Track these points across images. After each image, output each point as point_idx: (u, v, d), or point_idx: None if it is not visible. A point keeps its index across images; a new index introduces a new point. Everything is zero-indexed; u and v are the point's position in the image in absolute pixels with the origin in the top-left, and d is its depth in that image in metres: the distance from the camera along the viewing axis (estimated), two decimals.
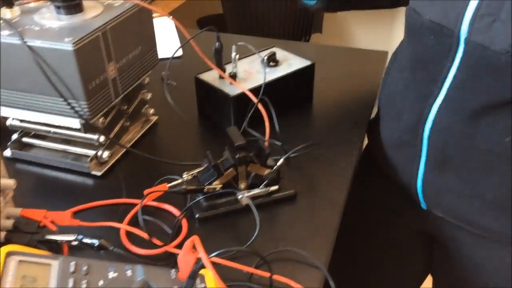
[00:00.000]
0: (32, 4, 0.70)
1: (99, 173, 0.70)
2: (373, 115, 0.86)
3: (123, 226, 0.59)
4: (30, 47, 0.60)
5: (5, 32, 0.62)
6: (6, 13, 0.66)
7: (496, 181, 0.65)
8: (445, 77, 0.63)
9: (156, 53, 0.77)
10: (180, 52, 1.01)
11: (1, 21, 0.64)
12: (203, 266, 0.44)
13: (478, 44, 0.57)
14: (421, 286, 0.94)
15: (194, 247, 0.47)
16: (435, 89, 0.64)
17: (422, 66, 0.66)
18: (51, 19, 0.65)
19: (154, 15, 1.22)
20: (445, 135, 0.66)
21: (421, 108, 0.67)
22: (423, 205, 0.75)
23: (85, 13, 0.66)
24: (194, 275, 0.44)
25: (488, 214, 0.68)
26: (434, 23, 0.61)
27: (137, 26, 0.70)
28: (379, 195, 0.84)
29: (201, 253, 0.43)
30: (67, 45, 0.59)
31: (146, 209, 0.64)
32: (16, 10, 0.67)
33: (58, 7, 0.65)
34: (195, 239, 0.45)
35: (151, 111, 0.80)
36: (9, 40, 0.61)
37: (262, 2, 1.76)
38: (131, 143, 0.76)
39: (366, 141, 0.85)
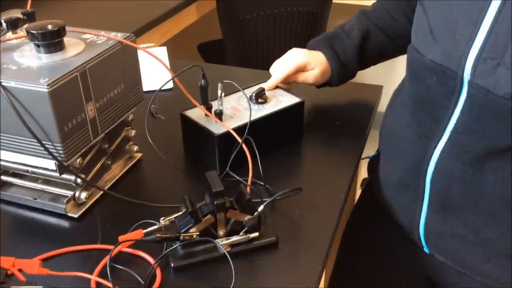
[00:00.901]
0: (14, 41, 0.68)
1: (75, 215, 0.68)
2: (372, 151, 0.84)
3: (93, 278, 0.57)
4: (4, 87, 0.59)
5: None
6: None
7: (502, 228, 0.63)
8: (449, 119, 0.61)
9: (141, 90, 0.75)
10: (171, 85, 1.00)
11: None
12: None
13: (482, 88, 0.56)
14: None
15: None
16: (438, 131, 0.63)
17: (424, 106, 0.65)
18: (31, 57, 0.64)
19: (150, 45, 1.20)
20: (448, 178, 0.64)
21: (423, 150, 0.65)
22: (426, 249, 0.72)
23: (66, 51, 0.65)
24: None
25: (492, 262, 0.65)
26: (436, 63, 0.60)
27: (120, 64, 0.69)
28: (378, 234, 0.81)
29: None
30: (42, 87, 0.58)
31: (120, 256, 0.61)
32: None
33: (38, 46, 0.64)
34: None
35: (135, 148, 0.78)
36: None
37: (261, 29, 1.76)
38: (113, 181, 0.74)
39: (364, 175, 0.82)
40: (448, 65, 0.59)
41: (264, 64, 1.82)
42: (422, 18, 0.65)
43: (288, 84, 0.85)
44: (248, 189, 0.63)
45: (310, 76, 0.83)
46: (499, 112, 0.56)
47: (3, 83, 0.59)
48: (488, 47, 0.55)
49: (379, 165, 0.77)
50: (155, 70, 1.04)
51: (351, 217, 0.89)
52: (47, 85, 0.57)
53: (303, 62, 0.82)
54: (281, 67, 0.83)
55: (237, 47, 1.81)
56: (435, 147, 0.63)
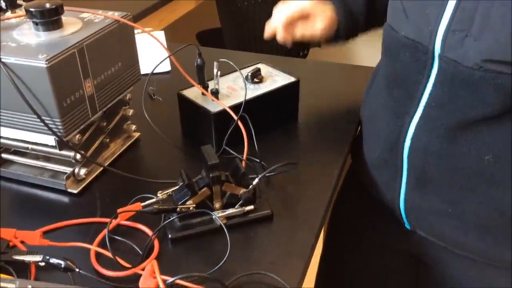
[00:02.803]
0: (13, 20, 0.69)
1: (75, 191, 0.69)
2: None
3: (92, 247, 0.58)
4: (4, 64, 0.60)
5: None
6: None
7: (477, 201, 0.64)
8: (422, 94, 0.62)
9: (138, 70, 0.76)
10: (168, 67, 1.01)
11: None
12: None
13: (451, 60, 0.57)
14: None
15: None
16: (412, 107, 0.64)
17: (398, 83, 0.66)
18: (30, 35, 0.65)
19: (148, 29, 1.21)
20: (424, 153, 0.65)
21: (399, 126, 0.66)
22: (407, 225, 0.73)
23: (64, 30, 0.66)
24: None
25: (471, 235, 0.67)
26: (409, 39, 0.61)
27: (117, 43, 0.70)
28: (362, 214, 0.83)
29: (158, 279, 0.42)
30: (40, 62, 0.59)
31: (119, 229, 0.63)
32: None
33: (36, 24, 0.65)
34: (153, 263, 0.43)
35: (133, 127, 0.79)
36: None
37: (259, 17, 1.76)
38: (111, 159, 0.75)
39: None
40: (420, 40, 0.60)
41: (263, 52, 1.83)
42: None
43: (289, 35, 0.79)
44: (243, 163, 0.65)
45: (315, 26, 0.78)
46: (468, 84, 0.57)
47: (3, 60, 0.60)
48: (456, 19, 0.56)
49: (361, 146, 0.78)
50: (152, 54, 1.05)
51: (336, 197, 0.90)
52: (46, 61, 0.59)
53: (307, 7, 0.77)
54: (283, 8, 0.78)
55: (235, 34, 1.82)
56: (410, 122, 0.65)
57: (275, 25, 0.79)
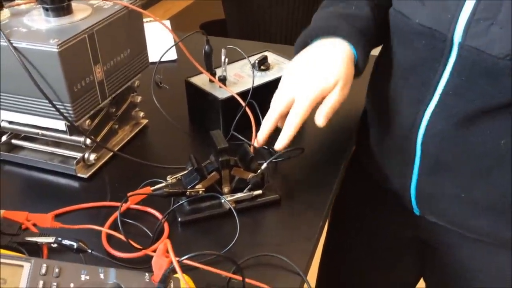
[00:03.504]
0: (23, 6, 0.70)
1: (85, 176, 0.70)
2: None
3: (103, 229, 0.59)
4: (16, 48, 0.61)
5: None
6: None
7: (491, 185, 0.64)
8: (438, 82, 0.61)
9: (146, 57, 0.77)
10: (175, 56, 1.02)
11: None
12: (175, 270, 0.44)
13: (474, 49, 0.56)
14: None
15: (168, 250, 0.47)
16: (427, 94, 0.63)
17: (413, 71, 0.65)
18: (40, 21, 0.66)
19: (151, 19, 1.22)
20: (439, 140, 0.64)
21: (413, 114, 0.66)
22: (416, 211, 0.74)
23: (74, 15, 0.66)
24: (165, 279, 0.44)
25: (483, 218, 0.67)
26: (425, 27, 0.60)
27: (126, 29, 0.71)
28: (366, 201, 0.83)
29: (172, 257, 0.43)
30: (52, 47, 0.59)
31: (129, 213, 0.63)
32: (6, 12, 0.67)
33: (46, 9, 0.65)
34: (167, 242, 0.44)
35: (141, 114, 0.80)
36: None
37: (264, 9, 1.76)
38: (120, 145, 0.76)
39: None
40: (437, 28, 0.59)
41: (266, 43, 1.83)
42: None
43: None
44: (251, 147, 0.65)
45: (341, 91, 0.64)
46: (492, 72, 0.56)
47: (14, 44, 0.61)
48: (481, 8, 0.55)
49: (368, 133, 0.78)
50: (158, 42, 1.06)
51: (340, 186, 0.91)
52: (57, 45, 0.59)
53: (322, 89, 0.63)
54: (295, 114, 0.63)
55: (239, 26, 1.82)
56: (425, 110, 0.64)
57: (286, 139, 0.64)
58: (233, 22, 1.81)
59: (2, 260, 0.44)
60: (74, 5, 0.67)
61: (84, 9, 0.68)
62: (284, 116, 0.64)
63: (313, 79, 0.63)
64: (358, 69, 0.67)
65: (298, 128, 0.63)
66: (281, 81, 0.67)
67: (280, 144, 0.63)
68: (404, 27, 0.64)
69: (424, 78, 0.63)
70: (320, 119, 0.62)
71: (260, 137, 0.65)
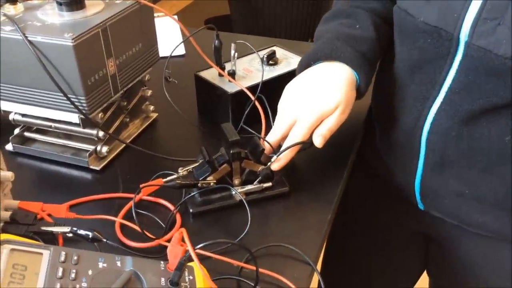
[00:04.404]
0: (36, 1, 0.71)
1: (97, 168, 0.71)
2: None
3: (118, 220, 0.60)
4: (31, 42, 0.62)
5: (7, 28, 0.63)
6: (10, 9, 0.67)
7: (496, 181, 0.65)
8: (444, 80, 0.62)
9: (157, 51, 0.78)
10: (183, 51, 1.03)
11: (4, 17, 0.65)
12: (190, 258, 0.45)
13: (481, 48, 0.56)
14: (418, 287, 0.94)
15: (183, 239, 0.48)
16: (433, 92, 0.64)
17: (419, 68, 0.65)
18: (53, 15, 0.67)
19: (160, 14, 1.23)
20: (444, 137, 0.65)
21: (418, 111, 0.66)
22: (420, 206, 0.75)
23: (87, 10, 0.67)
24: (180, 266, 0.45)
25: (488, 214, 0.68)
26: (430, 25, 0.60)
27: (138, 24, 0.72)
28: (371, 196, 0.84)
29: (188, 246, 0.44)
30: (67, 41, 0.61)
31: (142, 204, 0.65)
32: (20, 6, 0.68)
33: (60, 4, 0.66)
34: (182, 231, 0.46)
35: (151, 108, 0.81)
36: (11, 35, 0.63)
37: (268, 5, 1.77)
38: (131, 138, 0.77)
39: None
40: (443, 27, 0.59)
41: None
42: None
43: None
44: (262, 141, 0.66)
45: (340, 115, 0.65)
46: (496, 72, 0.56)
47: (29, 38, 0.62)
48: (488, 7, 0.55)
49: (373, 130, 0.79)
50: (166, 37, 1.07)
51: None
52: (72, 39, 0.60)
53: (323, 112, 0.64)
54: (324, 132, 0.64)
55: (244, 21, 1.83)
56: (431, 107, 0.64)
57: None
58: (238, 19, 1.82)
59: (23, 248, 0.45)
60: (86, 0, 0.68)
61: (97, 4, 0.69)
62: (287, 135, 0.65)
63: (315, 102, 0.64)
64: (359, 92, 0.68)
65: (296, 150, 0.65)
66: (283, 97, 0.68)
67: (277, 166, 0.65)
68: (409, 25, 0.64)
69: (430, 76, 0.64)
70: (318, 139, 0.64)
71: (267, 150, 0.66)
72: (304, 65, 0.69)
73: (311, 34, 1.89)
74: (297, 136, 0.63)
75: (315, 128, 0.64)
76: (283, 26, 1.87)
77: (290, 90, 0.68)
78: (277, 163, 0.64)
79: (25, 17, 0.66)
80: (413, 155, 0.69)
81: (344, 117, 0.65)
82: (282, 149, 0.64)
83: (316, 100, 0.64)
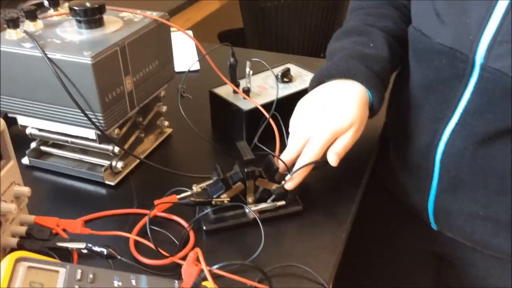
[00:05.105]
0: (55, 18, 0.72)
1: (112, 183, 0.72)
2: None
3: (132, 236, 0.61)
4: (50, 60, 0.63)
5: (27, 45, 0.64)
6: (30, 26, 0.69)
7: (510, 203, 0.64)
8: (459, 101, 0.62)
9: (173, 68, 0.79)
10: (197, 66, 1.03)
11: (24, 34, 0.66)
12: (204, 278, 0.45)
13: (496, 70, 0.56)
14: None
15: (198, 259, 0.48)
16: (448, 113, 0.64)
17: (434, 89, 0.65)
18: (73, 33, 0.68)
19: (174, 28, 1.24)
20: (457, 158, 0.65)
21: (433, 131, 0.66)
22: (434, 226, 0.74)
23: (105, 28, 0.68)
24: (195, 287, 0.45)
25: (501, 235, 0.67)
26: (446, 47, 0.60)
27: (155, 41, 0.73)
28: (386, 215, 0.84)
29: (203, 266, 0.44)
30: (86, 59, 0.62)
31: (155, 220, 0.65)
32: (39, 23, 0.70)
33: (79, 22, 0.68)
34: (197, 251, 0.46)
35: (166, 123, 0.82)
36: (31, 52, 0.64)
37: (282, 18, 1.78)
38: (145, 154, 0.78)
39: None
40: (458, 48, 0.59)
41: (283, 52, 1.85)
42: (425, 0, 0.64)
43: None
44: (276, 160, 0.67)
45: (353, 135, 0.64)
46: None
47: (49, 55, 0.63)
48: (504, 30, 0.55)
49: (387, 148, 0.78)
50: (182, 52, 1.08)
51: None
52: (91, 58, 0.61)
53: (336, 130, 0.63)
54: (339, 150, 0.64)
55: (258, 35, 1.84)
56: (445, 128, 0.64)
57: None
58: (251, 33, 1.83)
59: (39, 266, 0.46)
60: (105, 17, 0.69)
61: (115, 21, 0.70)
62: (301, 153, 0.65)
63: (329, 120, 0.64)
64: (372, 111, 0.68)
65: (310, 169, 0.64)
66: (296, 114, 0.67)
67: (291, 185, 0.65)
68: (425, 46, 0.64)
69: (444, 97, 0.63)
70: (333, 158, 0.63)
71: (281, 169, 0.66)
72: (317, 82, 0.69)
73: (323, 46, 1.90)
74: (310, 155, 0.63)
75: (329, 146, 0.64)
76: (296, 40, 1.88)
77: (302, 108, 0.68)
78: (290, 182, 0.64)
79: (45, 34, 0.67)
80: (427, 175, 0.69)
81: (358, 135, 0.65)
82: (295, 168, 0.64)
83: (330, 118, 0.64)
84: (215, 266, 0.46)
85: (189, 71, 0.99)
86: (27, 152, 0.75)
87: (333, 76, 0.67)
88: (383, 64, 0.68)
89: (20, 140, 0.75)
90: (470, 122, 0.62)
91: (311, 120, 0.65)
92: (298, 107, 0.68)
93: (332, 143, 0.64)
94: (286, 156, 0.65)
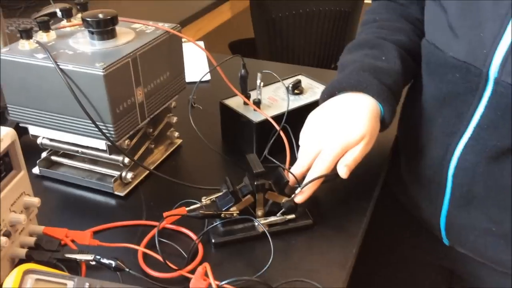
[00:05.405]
0: (68, 29, 0.73)
1: (122, 194, 0.72)
2: None
3: (140, 248, 0.60)
4: (62, 70, 0.63)
5: (40, 55, 0.65)
6: (43, 36, 0.69)
7: None
8: (472, 115, 0.61)
9: (184, 79, 0.79)
10: (208, 77, 1.04)
11: (37, 44, 0.67)
12: None
13: (510, 85, 0.56)
14: None
15: (206, 273, 0.48)
16: (461, 126, 0.63)
17: (447, 103, 0.65)
18: (85, 44, 0.68)
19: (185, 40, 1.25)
20: (471, 173, 0.64)
21: (445, 145, 0.66)
22: (446, 241, 0.73)
23: (118, 39, 0.69)
24: None
25: None
26: (459, 60, 0.60)
27: (167, 53, 0.73)
28: (396, 228, 0.83)
29: (211, 281, 0.44)
30: (97, 70, 0.62)
31: (164, 232, 0.65)
32: (52, 34, 0.70)
33: (92, 33, 0.68)
34: (206, 266, 0.45)
35: (176, 134, 0.82)
36: (43, 63, 0.64)
37: (293, 29, 1.79)
38: (155, 165, 0.78)
39: None
40: (472, 62, 0.59)
41: (294, 64, 1.85)
42: (438, 14, 0.64)
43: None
44: (286, 172, 0.66)
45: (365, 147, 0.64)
46: None
47: (61, 66, 0.63)
48: None
49: (399, 161, 0.78)
50: (193, 62, 1.08)
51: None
52: (103, 69, 0.61)
53: (347, 143, 0.63)
54: (350, 161, 0.63)
55: (269, 45, 1.84)
56: (458, 142, 0.64)
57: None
58: (262, 43, 1.83)
59: (47, 278, 0.45)
60: (117, 29, 0.69)
61: (127, 33, 0.71)
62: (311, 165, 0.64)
63: (340, 133, 0.63)
64: (384, 124, 0.67)
65: (320, 182, 0.64)
66: (306, 127, 0.67)
67: (301, 198, 0.64)
68: (438, 59, 0.64)
69: (457, 111, 0.63)
70: (343, 170, 0.63)
71: (291, 182, 0.65)
72: (328, 95, 0.69)
73: (334, 57, 1.90)
74: (321, 168, 0.63)
75: (339, 159, 0.64)
76: (307, 51, 1.88)
77: (313, 120, 0.67)
78: (300, 196, 0.64)
79: (57, 45, 0.68)
80: (439, 189, 0.68)
81: (368, 148, 0.65)
82: (305, 181, 0.64)
83: (341, 131, 0.64)
84: (224, 282, 0.46)
85: (199, 82, 0.99)
86: (37, 162, 0.75)
87: (344, 89, 0.67)
88: (395, 77, 0.68)
89: (31, 149, 0.75)
90: (484, 137, 0.61)
91: (321, 133, 0.65)
92: (308, 120, 0.68)
93: (342, 156, 0.63)
94: (297, 169, 0.65)
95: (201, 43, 1.15)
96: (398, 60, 0.69)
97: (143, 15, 0.79)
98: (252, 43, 1.88)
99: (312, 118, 0.68)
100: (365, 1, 1.79)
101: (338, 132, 0.64)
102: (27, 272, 0.44)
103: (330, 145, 0.63)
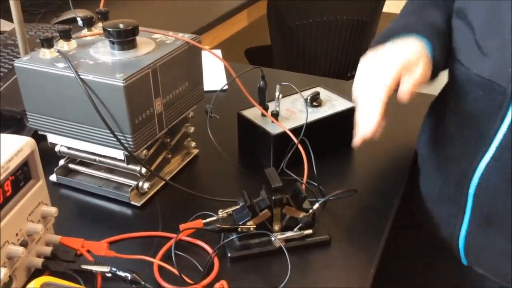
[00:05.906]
0: (89, 38, 0.73)
1: (138, 204, 0.71)
2: None
3: (156, 261, 0.60)
4: (83, 80, 0.63)
5: (60, 65, 0.65)
6: (64, 45, 0.70)
7: None
8: (495, 135, 0.60)
9: (202, 89, 0.79)
10: (225, 86, 1.03)
11: (58, 53, 0.67)
12: None
13: None
14: None
15: None
16: (483, 146, 0.62)
17: (469, 121, 0.64)
18: (105, 53, 0.68)
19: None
20: (492, 193, 0.63)
21: (467, 165, 0.64)
22: (464, 261, 0.72)
23: (138, 50, 0.69)
24: None
25: None
26: (484, 78, 0.59)
27: (186, 63, 0.73)
28: (414, 246, 0.82)
29: None
30: (118, 81, 0.62)
31: (179, 244, 0.64)
32: (73, 43, 0.70)
33: (112, 43, 0.68)
34: (223, 283, 0.45)
35: (193, 144, 0.82)
36: (64, 72, 0.64)
37: (309, 37, 1.78)
38: (171, 174, 0.77)
39: None
40: (496, 80, 0.58)
41: (311, 72, 1.85)
42: (465, 31, 0.64)
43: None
44: (303, 186, 0.65)
45: (421, 73, 0.60)
46: None
47: (81, 76, 0.63)
48: None
49: (418, 178, 0.77)
50: (209, 71, 1.08)
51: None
52: (123, 80, 0.61)
53: (406, 60, 0.60)
54: (379, 78, 0.60)
55: (285, 53, 1.84)
56: (480, 162, 0.63)
57: (376, 114, 0.61)
58: (279, 51, 1.83)
59: None
60: (138, 39, 0.69)
61: (148, 43, 0.70)
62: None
63: (397, 53, 0.60)
64: (433, 68, 0.63)
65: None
66: (360, 69, 0.64)
67: (371, 131, 0.61)
68: (462, 76, 0.63)
69: (480, 130, 0.62)
70: (404, 95, 0.58)
71: (358, 141, 0.62)
72: (376, 43, 0.67)
73: (351, 66, 1.89)
74: (384, 77, 0.59)
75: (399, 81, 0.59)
76: (323, 59, 1.87)
77: (365, 61, 0.64)
78: (369, 128, 0.60)
79: (78, 54, 0.68)
80: (459, 208, 0.67)
81: (427, 73, 0.60)
82: (372, 105, 0.59)
83: (398, 51, 0.61)
84: None
85: (215, 91, 0.99)
86: (55, 169, 0.75)
87: (394, 34, 0.65)
88: (441, 30, 0.66)
89: (48, 156, 0.75)
90: (506, 157, 0.60)
91: (377, 62, 0.62)
92: (360, 64, 0.65)
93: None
94: (361, 117, 0.61)
95: (218, 52, 1.15)
96: (443, 20, 0.67)
97: (160, 23, 0.79)
98: (268, 50, 1.88)
99: (364, 60, 0.65)
100: (383, 11, 1.78)
101: (395, 52, 0.61)
102: (44, 286, 0.44)
103: (389, 63, 0.60)
